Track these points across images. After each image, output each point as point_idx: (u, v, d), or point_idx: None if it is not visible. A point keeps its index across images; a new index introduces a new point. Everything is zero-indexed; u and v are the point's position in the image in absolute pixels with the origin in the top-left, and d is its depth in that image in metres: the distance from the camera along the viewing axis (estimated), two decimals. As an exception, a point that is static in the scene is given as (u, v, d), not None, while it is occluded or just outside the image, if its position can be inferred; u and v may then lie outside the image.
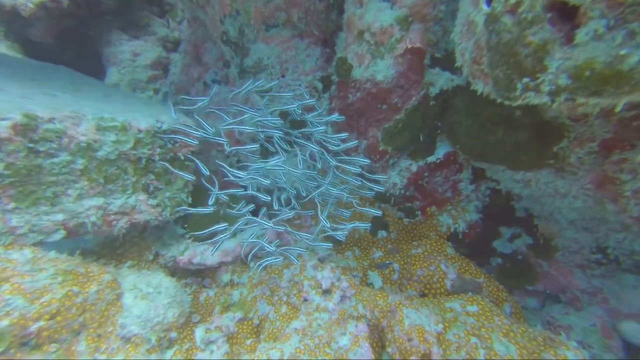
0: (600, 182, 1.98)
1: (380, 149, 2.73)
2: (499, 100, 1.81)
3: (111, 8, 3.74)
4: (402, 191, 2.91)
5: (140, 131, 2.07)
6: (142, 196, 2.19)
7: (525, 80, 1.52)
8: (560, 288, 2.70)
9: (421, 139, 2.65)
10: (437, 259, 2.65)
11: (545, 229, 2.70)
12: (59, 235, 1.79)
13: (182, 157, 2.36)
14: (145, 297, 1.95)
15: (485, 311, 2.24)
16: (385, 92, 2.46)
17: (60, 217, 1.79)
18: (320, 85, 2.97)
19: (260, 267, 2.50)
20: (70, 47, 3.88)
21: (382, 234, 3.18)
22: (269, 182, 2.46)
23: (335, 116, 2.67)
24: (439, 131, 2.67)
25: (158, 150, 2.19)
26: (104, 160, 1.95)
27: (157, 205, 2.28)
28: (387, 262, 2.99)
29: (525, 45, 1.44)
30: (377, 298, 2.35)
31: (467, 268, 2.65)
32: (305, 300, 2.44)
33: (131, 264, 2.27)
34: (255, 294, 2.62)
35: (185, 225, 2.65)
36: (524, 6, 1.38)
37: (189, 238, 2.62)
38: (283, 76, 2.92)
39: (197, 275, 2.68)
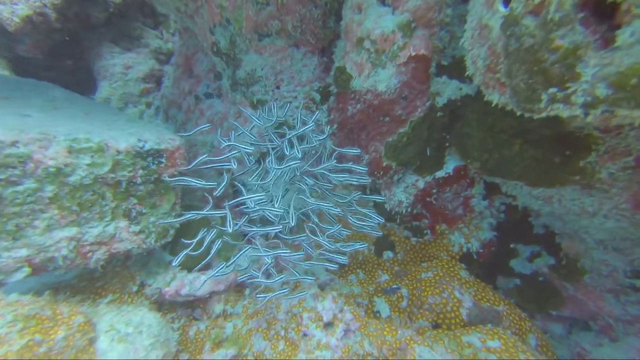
0: (639, 202, 1.74)
1: (384, 164, 2.52)
2: (518, 113, 1.60)
3: (102, 21, 3.63)
4: (409, 209, 2.68)
5: (119, 152, 1.88)
6: (123, 223, 1.99)
7: (552, 90, 1.31)
8: (589, 314, 2.42)
9: (428, 153, 2.44)
10: (451, 284, 2.40)
11: (569, 249, 2.44)
12: (21, 274, 1.58)
13: (168, 178, 2.16)
14: (123, 339, 1.73)
15: (509, 347, 1.98)
16: (387, 104, 2.26)
17: (23, 252, 1.59)
18: (318, 97, 2.78)
19: (264, 300, 2.26)
20: (61, 62, 3.76)
21: (387, 254, 2.94)
22: (280, 211, 2.26)
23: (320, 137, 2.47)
24: (447, 144, 2.45)
25: (140, 172, 1.99)
26: (77, 186, 1.75)
27: (140, 232, 2.07)
28: (395, 286, 2.74)
29: (552, 50, 1.23)
30: (385, 333, 2.10)
31: (484, 294, 2.39)
32: (305, 335, 2.19)
33: (112, 298, 2.05)
34: (250, 326, 2.38)
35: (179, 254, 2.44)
36: (551, 6, 1.18)
37: (177, 266, 2.40)
38: (278, 88, 2.74)
39: (186, 306, 2.45)
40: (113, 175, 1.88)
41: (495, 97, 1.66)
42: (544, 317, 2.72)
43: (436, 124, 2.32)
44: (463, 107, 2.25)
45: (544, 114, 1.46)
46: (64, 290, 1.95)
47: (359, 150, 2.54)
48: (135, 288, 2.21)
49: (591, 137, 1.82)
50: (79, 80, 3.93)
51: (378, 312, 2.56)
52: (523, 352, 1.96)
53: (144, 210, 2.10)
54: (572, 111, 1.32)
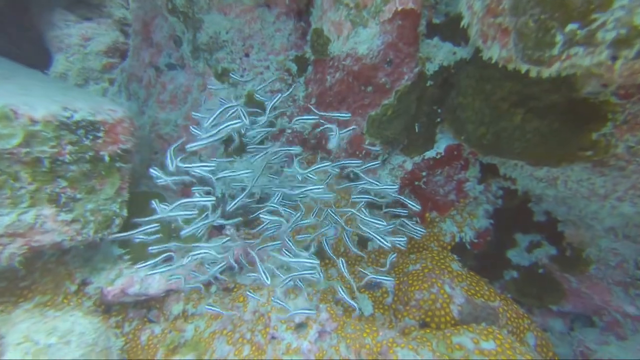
0: (665, 180, 1.46)
1: (367, 142, 2.20)
2: (523, 69, 1.29)
3: (51, -16, 3.18)
4: (395, 194, 2.38)
5: (34, 121, 1.52)
6: (48, 210, 1.65)
7: (572, 27, 0.99)
8: (594, 309, 2.18)
9: (417, 130, 2.13)
10: (441, 278, 2.13)
11: (573, 237, 2.18)
12: None
13: (108, 158, 1.81)
14: (41, 352, 1.41)
15: (505, 348, 1.71)
16: (369, 70, 1.93)
17: None
18: (294, 67, 2.43)
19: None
20: (4, 31, 3.31)
21: (372, 245, 2.66)
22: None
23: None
24: (438, 119, 2.14)
25: (69, 148, 1.64)
26: (-25, 164, 1.39)
27: (74, 221, 1.73)
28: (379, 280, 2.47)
29: (577, -33, 0.91)
30: (365, 335, 1.82)
31: (477, 288, 2.12)
32: (274, 338, 1.90)
33: (40, 301, 1.72)
34: (214, 328, 2.08)
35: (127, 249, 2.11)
36: None
37: (128, 260, 2.08)
38: (247, 55, 2.38)
39: (140, 307, 2.14)
40: (27, 150, 1.53)
41: (495, 51, 1.35)
42: (543, 312, 2.48)
43: (426, 94, 2.00)
44: (457, 75, 1.93)
45: (555, 67, 1.15)
46: (-26, 291, 1.62)
47: (349, 115, 2.15)
48: (74, 288, 1.88)
49: (607, 105, 1.52)
50: (29, 52, 3.48)
51: (360, 309, 2.28)
52: (521, 355, 1.70)
53: (77, 196, 1.75)
54: (595, 57, 1.01)
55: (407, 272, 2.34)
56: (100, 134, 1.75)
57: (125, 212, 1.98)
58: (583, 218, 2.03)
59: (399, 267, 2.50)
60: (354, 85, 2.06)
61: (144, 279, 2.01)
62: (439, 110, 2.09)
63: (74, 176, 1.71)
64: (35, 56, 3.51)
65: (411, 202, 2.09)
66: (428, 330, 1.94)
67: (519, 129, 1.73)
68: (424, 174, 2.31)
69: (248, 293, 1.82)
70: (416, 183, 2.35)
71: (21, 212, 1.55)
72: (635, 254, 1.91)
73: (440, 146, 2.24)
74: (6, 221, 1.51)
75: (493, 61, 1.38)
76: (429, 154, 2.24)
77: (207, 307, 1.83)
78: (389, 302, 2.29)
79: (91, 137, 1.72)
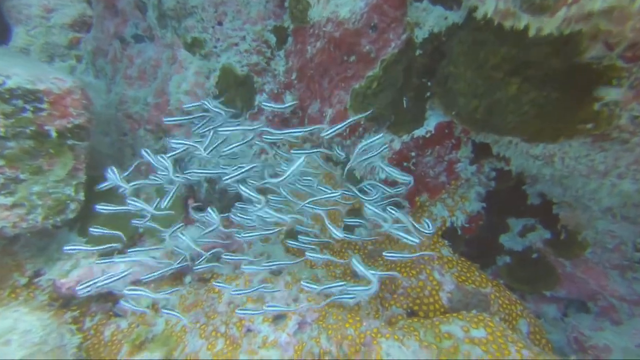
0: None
1: (350, 119, 2.02)
2: (522, 23, 1.12)
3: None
4: (383, 176, 2.22)
5: (-43, 89, 1.29)
6: (-17, 192, 1.43)
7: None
8: (589, 294, 2.09)
9: (405, 105, 1.95)
10: (430, 264, 2.00)
11: (568, 220, 2.07)
12: None
13: (55, 134, 1.59)
14: (-27, 352, 1.22)
15: (497, 337, 1.60)
16: (352, 36, 1.74)
17: None
18: (273, 39, 2.22)
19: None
20: None
21: (360, 232, 2.51)
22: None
23: None
24: (428, 93, 1.97)
25: (2, 119, 1.42)
26: None
27: (16, 205, 1.53)
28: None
29: None
30: (347, 325, 1.68)
31: (468, 275, 2.00)
32: (249, 330, 1.75)
33: (-23, 295, 1.52)
34: (187, 320, 1.92)
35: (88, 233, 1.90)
36: None
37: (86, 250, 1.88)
38: (220, 24, 2.16)
39: (104, 300, 1.95)
40: (-49, 122, 1.30)
41: (490, 5, 1.17)
42: (536, 298, 2.39)
43: (415, 65, 1.82)
44: (448, 42, 1.75)
45: (560, 14, 0.98)
46: None
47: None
48: (23, 280, 1.68)
49: (612, 70, 1.36)
50: None
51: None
52: (513, 343, 1.59)
53: (20, 176, 1.54)
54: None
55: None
56: (44, 106, 1.53)
57: (81, 196, 1.78)
58: (580, 199, 1.90)
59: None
60: (336, 54, 1.86)
61: (106, 269, 1.82)
62: (429, 84, 1.91)
63: (12, 154, 1.50)
64: None
65: (402, 176, 1.86)
66: (416, 319, 1.82)
67: (514, 101, 1.57)
68: (413, 154, 2.16)
69: (215, 284, 1.64)
70: (405, 164, 2.18)
71: (-53, 193, 1.34)
72: (634, 236, 1.81)
73: (430, 124, 2.07)
74: None
75: (488, 16, 1.20)
76: (419, 132, 2.07)
77: (164, 311, 1.65)
78: (375, 291, 2.15)
79: (31, 108, 1.50)
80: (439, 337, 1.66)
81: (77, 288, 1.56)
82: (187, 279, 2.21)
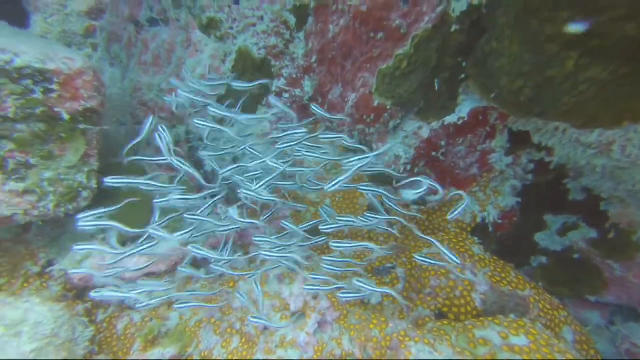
0: None
1: (375, 103, 1.87)
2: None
3: None
4: (409, 167, 2.06)
5: (-38, 65, 1.22)
6: (-7, 177, 1.37)
7: None
8: (640, 302, 1.88)
9: (436, 87, 1.78)
10: (461, 262, 1.82)
11: (620, 217, 1.85)
12: None
13: (67, 118, 1.51)
14: (-18, 343, 1.16)
15: (541, 346, 1.43)
16: (381, 9, 1.57)
17: None
18: (292, 19, 2.07)
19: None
20: None
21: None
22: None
23: None
24: (463, 75, 1.78)
25: (12, 100, 1.35)
26: None
27: (27, 191, 1.46)
28: (388, 265, 2.18)
29: None
30: (372, 326, 1.55)
31: (503, 275, 1.83)
32: (266, 328, 1.65)
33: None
34: (200, 316, 1.84)
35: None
36: None
37: (102, 240, 1.82)
38: (237, 2, 2.03)
39: (118, 291, 1.89)
40: (-43, 101, 1.24)
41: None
42: (576, 302, 2.18)
43: (450, 42, 1.64)
44: (491, 14, 1.55)
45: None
46: None
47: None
48: (36, 269, 1.63)
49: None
50: (7, 13, 3.15)
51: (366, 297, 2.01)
52: (560, 353, 1.42)
53: (31, 161, 1.48)
54: None
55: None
56: (54, 86, 1.45)
57: (94, 184, 1.71)
58: (637, 194, 1.68)
59: (411, 250, 2.21)
60: (362, 32, 1.70)
61: (119, 260, 1.75)
62: (464, 64, 1.73)
63: (23, 137, 1.43)
64: (12, 17, 3.19)
65: (432, 182, 1.68)
66: (446, 322, 1.67)
67: (569, 79, 1.37)
68: (442, 143, 1.98)
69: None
70: (433, 154, 2.01)
71: (-46, 177, 1.28)
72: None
73: (463, 110, 1.89)
74: None
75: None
76: (450, 118, 1.89)
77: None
78: (399, 289, 2.01)
79: (42, 89, 1.42)
80: (473, 343, 1.51)
81: (92, 295, 1.49)
82: (202, 271, 2.13)
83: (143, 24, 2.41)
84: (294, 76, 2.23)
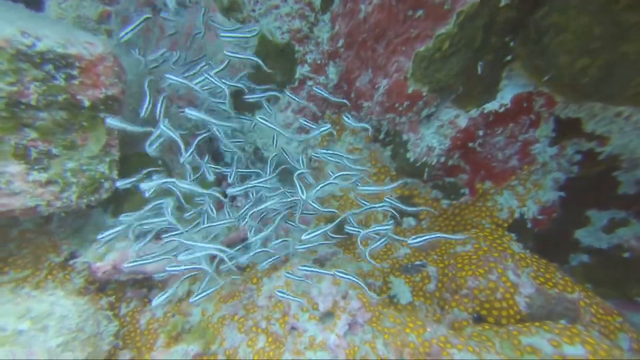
0: None
1: (410, 90, 1.72)
2: None
3: None
4: (442, 159, 1.92)
5: (-18, 48, 1.15)
6: (15, 167, 1.32)
7: None
8: (702, 307, 1.70)
9: (479, 71, 1.62)
10: (502, 262, 1.69)
11: (683, 215, 1.67)
12: None
13: (88, 104, 1.44)
14: (8, 340, 1.12)
15: (599, 356, 1.29)
16: (423, -17, 1.42)
17: None
18: (318, 0, 1.94)
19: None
20: None
21: (409, 222, 2.24)
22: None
23: None
24: (509, 56, 1.62)
25: (35, 86, 1.28)
26: None
27: (50, 181, 1.41)
28: (418, 262, 2.07)
29: None
30: (408, 330, 1.44)
31: (548, 276, 1.68)
32: (294, 328, 1.57)
33: (14, 277, 1.44)
34: (223, 312, 1.78)
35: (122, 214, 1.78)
36: None
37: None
38: (258, -16, 1.91)
39: (140, 285, 1.85)
40: (-23, 86, 1.17)
41: None
42: (619, 304, 2.01)
43: (497, 18, 1.48)
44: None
45: None
46: None
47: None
48: (59, 260, 1.59)
49: None
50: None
51: (395, 297, 1.91)
52: (621, 364, 1.28)
53: (54, 151, 1.42)
54: None
55: (454, 253, 1.92)
56: (75, 72, 1.37)
57: (115, 175, 1.65)
58: None
59: (441, 247, 2.09)
60: (398, 9, 1.55)
61: (140, 252, 1.69)
62: (512, 43, 1.56)
63: (45, 126, 1.36)
64: (30, 4, 3.16)
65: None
66: (487, 327, 1.54)
67: (644, 56, 1.20)
68: (480, 132, 1.83)
69: (278, 293, 1.46)
70: (470, 144, 1.87)
71: (-24, 167, 1.23)
72: None
73: (506, 96, 1.73)
74: (-43, 178, 1.19)
75: None
76: (490, 106, 1.74)
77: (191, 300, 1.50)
78: (431, 288, 1.90)
79: (63, 75, 1.35)
80: (520, 351, 1.38)
81: (125, 265, 1.45)
82: (223, 266, 2.07)
83: (159, 7, 2.32)
84: (318, 62, 2.11)
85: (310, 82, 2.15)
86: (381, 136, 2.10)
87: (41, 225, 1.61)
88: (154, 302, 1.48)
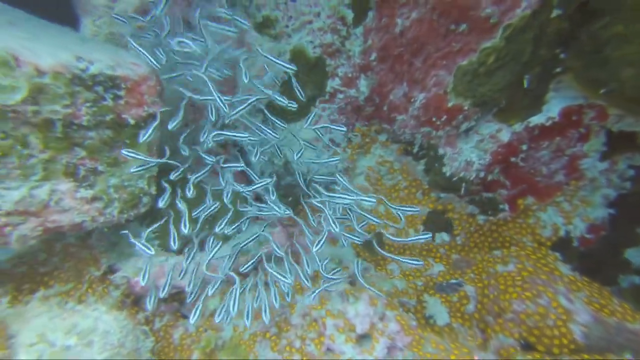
0: None
1: (450, 104, 1.67)
2: None
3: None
4: (482, 174, 1.84)
5: (41, 72, 1.20)
6: (65, 185, 1.36)
7: None
8: None
9: (526, 84, 1.55)
10: (551, 285, 1.59)
11: None
12: None
13: (132, 122, 1.48)
14: (58, 355, 1.13)
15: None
16: (468, -3, 1.37)
17: None
18: (350, 14, 1.93)
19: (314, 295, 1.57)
20: None
21: (442, 237, 2.16)
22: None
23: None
24: (558, 69, 1.54)
25: (86, 108, 1.32)
26: (-30, 122, 1.10)
27: (95, 198, 1.44)
28: (454, 281, 1.98)
29: None
30: (453, 358, 1.36)
31: (603, 302, 1.56)
32: (329, 350, 1.52)
33: (59, 290, 1.47)
34: (254, 329, 1.76)
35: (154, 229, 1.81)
36: None
37: (158, 246, 1.79)
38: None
39: (172, 299, 1.86)
40: (36, 109, 1.22)
41: None
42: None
43: (548, 30, 1.41)
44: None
45: None
46: (-10, 277, 1.39)
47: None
48: (98, 273, 1.62)
49: None
50: (62, 17, 3.29)
51: (431, 317, 1.83)
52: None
53: (99, 168, 1.45)
54: None
55: (494, 273, 1.82)
56: (122, 93, 1.41)
57: (153, 190, 1.67)
58: None
59: (478, 265, 1.99)
60: (440, 24, 1.51)
61: (175, 267, 1.70)
62: (562, 55, 1.48)
63: (93, 144, 1.40)
64: (69, 22, 3.33)
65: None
66: (538, 356, 1.44)
67: None
68: (524, 147, 1.74)
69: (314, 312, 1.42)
70: (512, 159, 1.78)
71: (33, 185, 1.27)
72: None
73: (552, 108, 1.65)
74: (15, 196, 1.23)
75: None
76: (536, 119, 1.66)
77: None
78: (470, 310, 1.80)
79: (111, 96, 1.38)
80: (579, 386, 1.28)
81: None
82: (250, 280, 2.05)
83: (193, 24, 2.37)
84: (349, 75, 2.09)
85: (341, 95, 2.14)
86: (415, 150, 2.04)
87: (83, 239, 1.65)
88: (192, 320, 1.47)
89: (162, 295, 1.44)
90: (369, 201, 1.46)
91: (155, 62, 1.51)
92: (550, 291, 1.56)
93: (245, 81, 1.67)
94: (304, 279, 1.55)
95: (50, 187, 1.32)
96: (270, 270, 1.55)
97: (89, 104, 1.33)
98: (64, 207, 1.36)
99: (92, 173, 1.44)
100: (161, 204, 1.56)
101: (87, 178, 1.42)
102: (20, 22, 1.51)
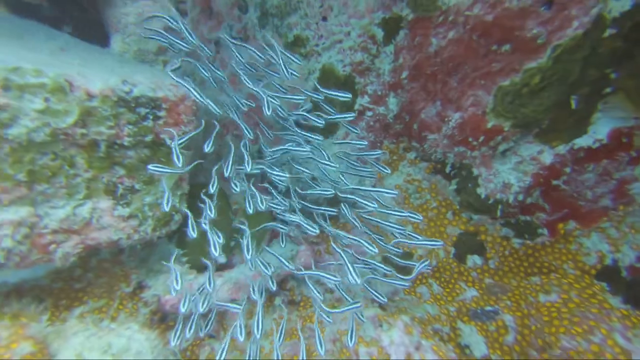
0: None
1: (489, 125, 1.61)
2: None
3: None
4: (520, 197, 1.75)
5: (91, 96, 1.23)
6: (105, 203, 1.38)
7: None
8: None
9: (573, 105, 1.47)
10: (603, 320, 1.47)
11: None
12: None
13: (169, 142, 1.50)
14: (93, 378, 1.12)
15: None
16: (513, 18, 1.33)
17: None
18: (380, 33, 1.92)
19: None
20: (68, 12, 3.32)
21: (474, 260, 2.06)
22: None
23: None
24: (608, 89, 1.46)
25: (128, 129, 1.35)
26: (24, 144, 1.14)
27: (131, 216, 1.46)
28: (490, 308, 1.87)
29: None
30: (500, 398, 1.26)
31: (662, 341, 1.42)
32: (363, 381, 1.45)
33: (93, 307, 1.48)
34: (282, 352, 1.70)
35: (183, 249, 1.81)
36: None
37: (186, 263, 1.79)
38: (324, 19, 1.93)
39: (199, 317, 1.83)
40: (84, 131, 1.25)
41: None
42: None
43: (601, 50, 1.34)
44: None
45: None
46: (28, 293, 1.41)
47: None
48: (129, 290, 1.62)
49: None
50: (92, 35, 3.46)
51: (467, 347, 1.73)
52: None
53: (136, 186, 1.47)
54: None
55: (535, 302, 1.71)
56: (162, 113, 1.43)
57: (185, 207, 1.68)
58: None
59: (514, 291, 1.88)
60: (479, 45, 1.47)
61: (204, 286, 1.68)
62: (613, 75, 1.41)
63: (131, 163, 1.42)
64: (95, 39, 3.50)
65: None
66: (591, 399, 1.32)
67: None
68: (567, 169, 1.65)
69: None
70: (554, 182, 1.69)
71: (77, 204, 1.30)
72: None
73: (600, 130, 1.56)
74: (61, 214, 1.25)
75: None
76: (581, 141, 1.57)
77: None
78: (509, 341, 1.69)
79: (152, 116, 1.41)
80: None
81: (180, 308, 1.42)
82: (277, 300, 2.01)
83: (221, 43, 2.43)
84: (379, 93, 2.07)
85: (369, 113, 2.11)
86: (447, 169, 1.98)
87: (116, 254, 1.66)
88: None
89: (201, 311, 1.42)
90: (416, 219, 1.46)
91: (216, 109, 1.54)
92: (604, 328, 1.44)
93: (268, 114, 1.70)
94: (343, 294, 1.51)
95: (92, 205, 1.34)
96: (312, 289, 1.51)
97: (131, 125, 1.36)
98: (103, 224, 1.38)
99: (130, 191, 1.46)
100: (212, 190, 1.57)
101: (125, 196, 1.44)
102: (69, 46, 1.57)
